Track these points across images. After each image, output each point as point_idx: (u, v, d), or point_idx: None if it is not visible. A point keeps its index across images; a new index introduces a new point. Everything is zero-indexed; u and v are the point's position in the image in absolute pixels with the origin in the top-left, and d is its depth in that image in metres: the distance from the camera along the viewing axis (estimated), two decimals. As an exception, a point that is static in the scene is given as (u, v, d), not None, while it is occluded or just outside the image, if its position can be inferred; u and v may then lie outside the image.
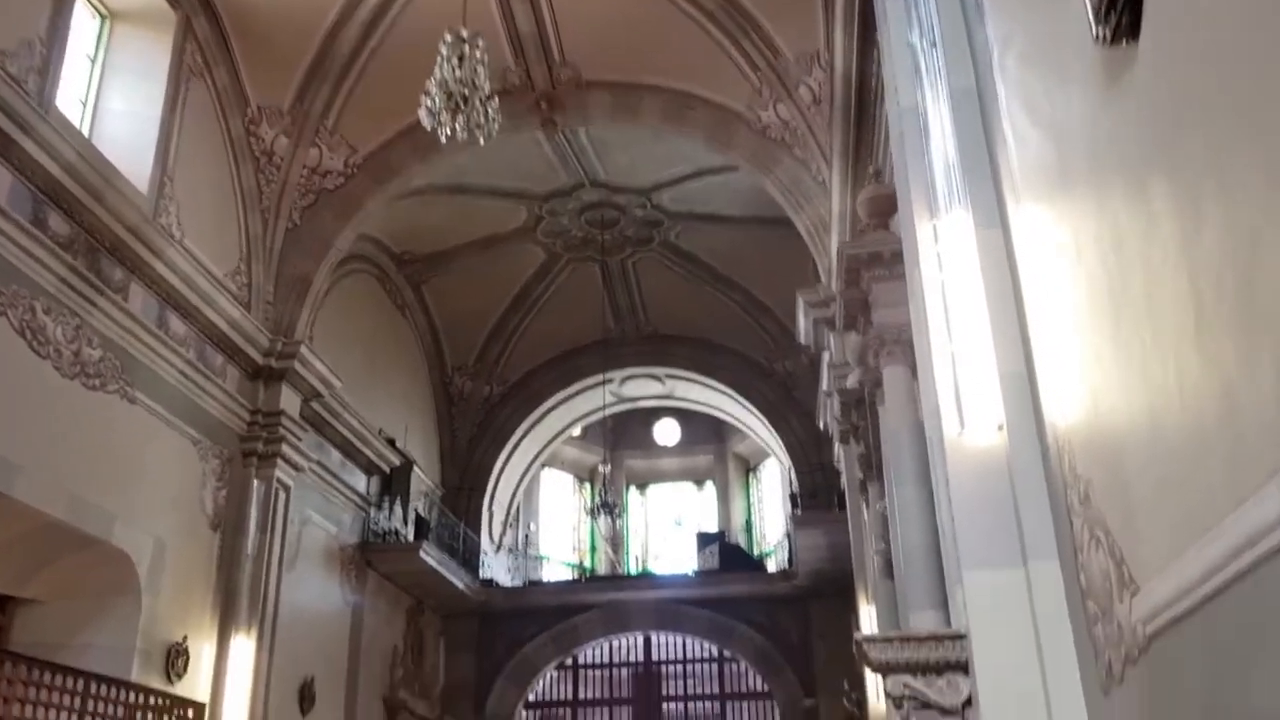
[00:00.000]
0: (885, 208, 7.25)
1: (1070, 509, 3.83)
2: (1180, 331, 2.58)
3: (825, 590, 18.25)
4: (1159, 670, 3.05)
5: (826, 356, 12.75)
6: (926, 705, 4.21)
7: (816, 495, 17.85)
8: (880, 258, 7.07)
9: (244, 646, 12.38)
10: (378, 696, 16.86)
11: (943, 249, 4.57)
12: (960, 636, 4.17)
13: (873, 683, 11.80)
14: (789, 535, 19.45)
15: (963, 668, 4.18)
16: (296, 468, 13.96)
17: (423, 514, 18.42)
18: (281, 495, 13.54)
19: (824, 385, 13.08)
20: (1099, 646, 3.57)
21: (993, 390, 4.36)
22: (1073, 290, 3.60)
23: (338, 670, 15.51)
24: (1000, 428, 4.31)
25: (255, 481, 13.23)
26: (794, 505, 18.46)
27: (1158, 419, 2.87)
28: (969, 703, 4.17)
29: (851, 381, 9.60)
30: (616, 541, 23.71)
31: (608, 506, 18.21)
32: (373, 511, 17.00)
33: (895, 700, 4.25)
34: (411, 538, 17.28)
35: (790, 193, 13.12)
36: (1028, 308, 4.26)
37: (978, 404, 4.38)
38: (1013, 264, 4.40)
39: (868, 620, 11.90)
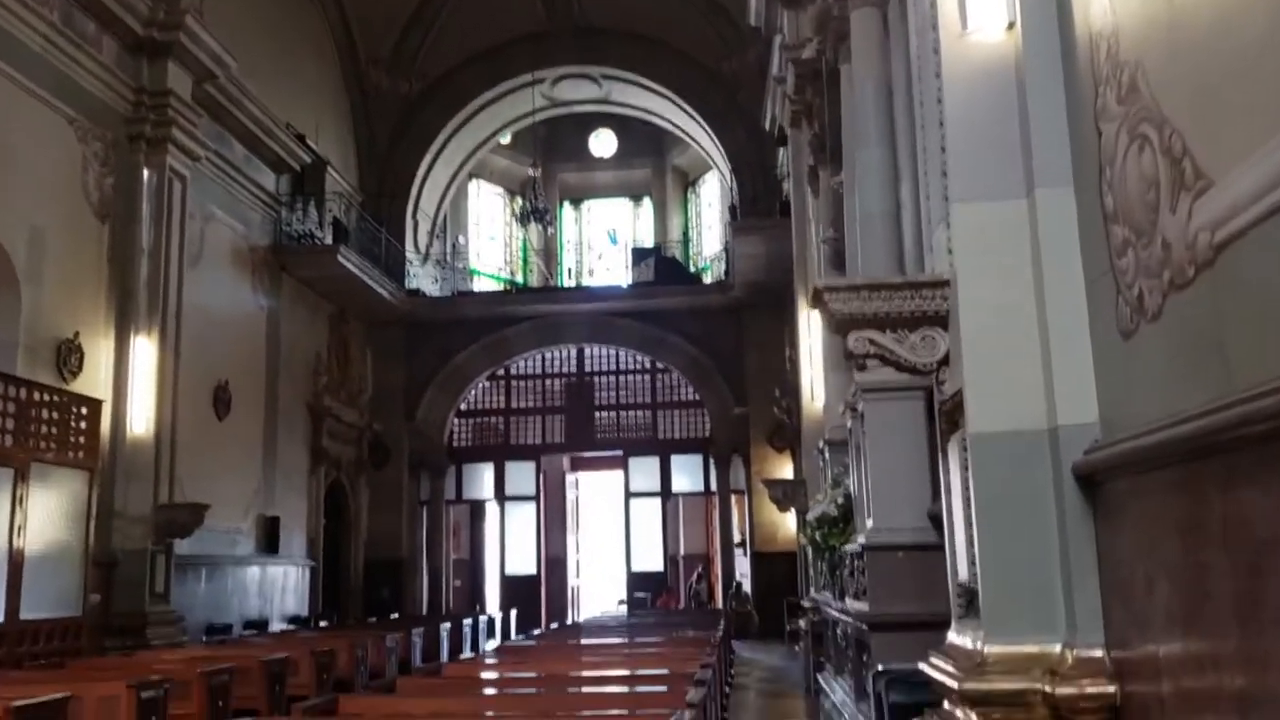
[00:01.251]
0: None
1: (1100, 114, 3.01)
2: None
3: (760, 302, 17.88)
4: (1226, 288, 2.32)
5: (778, 40, 11.55)
6: (894, 365, 3.53)
7: (757, 201, 17.04)
8: None
9: (145, 346, 11.59)
10: (301, 403, 16.43)
11: None
12: (942, 283, 3.44)
13: (808, 384, 11.50)
14: (726, 246, 18.85)
15: (941, 321, 3.48)
16: (192, 156, 12.66)
17: (341, 220, 17.34)
18: (176, 185, 12.32)
19: (774, 70, 11.94)
20: (1126, 279, 2.85)
21: (1005, -21, 3.43)
22: None
23: (255, 375, 14.91)
24: (1011, 25, 3.41)
25: (145, 170, 11.97)
26: (733, 216, 17.69)
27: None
28: (945, 361, 3.50)
29: (808, 52, 8.52)
30: (549, 253, 22.95)
31: (538, 213, 17.20)
32: (284, 212, 15.88)
33: (857, 360, 3.57)
34: (330, 242, 16.28)
35: None
36: None
37: (985, -3, 3.45)
38: None
39: (806, 324, 11.45)
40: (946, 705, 3.44)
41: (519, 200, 23.62)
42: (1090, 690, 2.92)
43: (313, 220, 16.23)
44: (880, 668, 5.11)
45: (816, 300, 3.58)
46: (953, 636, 3.56)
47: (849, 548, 6.31)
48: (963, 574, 3.44)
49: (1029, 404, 3.23)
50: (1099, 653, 2.98)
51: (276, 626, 14.38)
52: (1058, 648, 3.07)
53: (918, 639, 5.35)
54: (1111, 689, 2.91)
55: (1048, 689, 2.98)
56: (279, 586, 15.12)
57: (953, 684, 3.18)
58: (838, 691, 7.29)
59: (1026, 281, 3.29)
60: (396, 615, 15.86)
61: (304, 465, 16.42)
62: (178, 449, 12.12)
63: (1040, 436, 3.20)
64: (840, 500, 6.69)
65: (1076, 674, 2.96)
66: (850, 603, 6.26)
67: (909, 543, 5.38)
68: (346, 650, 9.12)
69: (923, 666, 3.65)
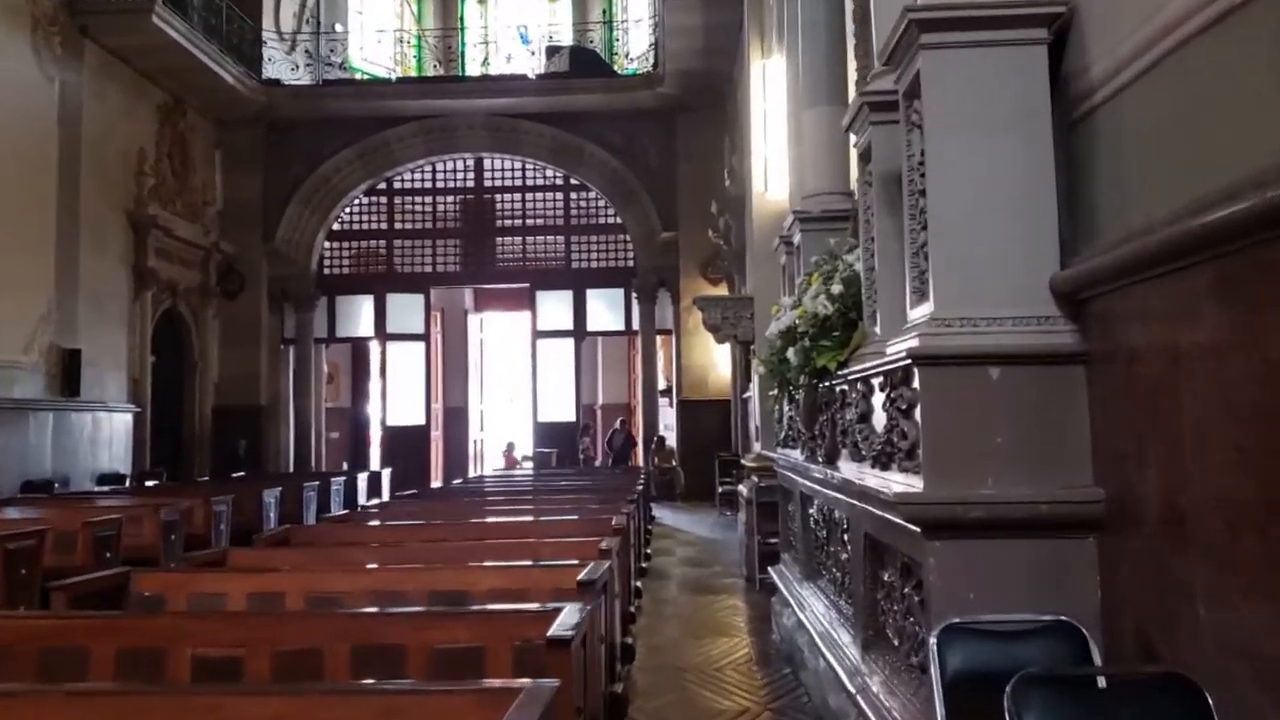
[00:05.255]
0: None
1: None
2: None
3: (695, 101, 14.82)
4: None
5: None
6: None
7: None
8: None
9: None
10: (118, 210, 13.01)
11: None
12: None
13: (760, 169, 8.55)
14: (656, 36, 15.51)
15: None
16: None
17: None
18: None
19: None
20: None
21: None
22: None
23: (40, 168, 11.47)
24: None
25: None
26: (665, -9, 14.25)
27: None
28: None
29: None
30: (448, 47, 19.20)
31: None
32: (82, -43, 12.11)
33: None
34: (148, 1, 12.58)
35: None
36: None
37: None
38: None
39: (761, 80, 8.43)
40: None
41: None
42: None
43: (122, -28, 12.47)
44: (955, 620, 2.33)
45: None
46: None
47: (856, 368, 3.44)
48: None
49: None
50: None
51: (82, 487, 11.41)
52: None
53: (1027, 555, 2.59)
54: None
55: None
56: (86, 438, 12.06)
57: None
58: (810, 606, 4.59)
59: None
60: (243, 474, 12.95)
61: (123, 288, 13.12)
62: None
63: None
64: (836, 290, 3.79)
65: None
66: (855, 470, 3.45)
67: (1015, 350, 2.52)
68: (84, 533, 6.20)
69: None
